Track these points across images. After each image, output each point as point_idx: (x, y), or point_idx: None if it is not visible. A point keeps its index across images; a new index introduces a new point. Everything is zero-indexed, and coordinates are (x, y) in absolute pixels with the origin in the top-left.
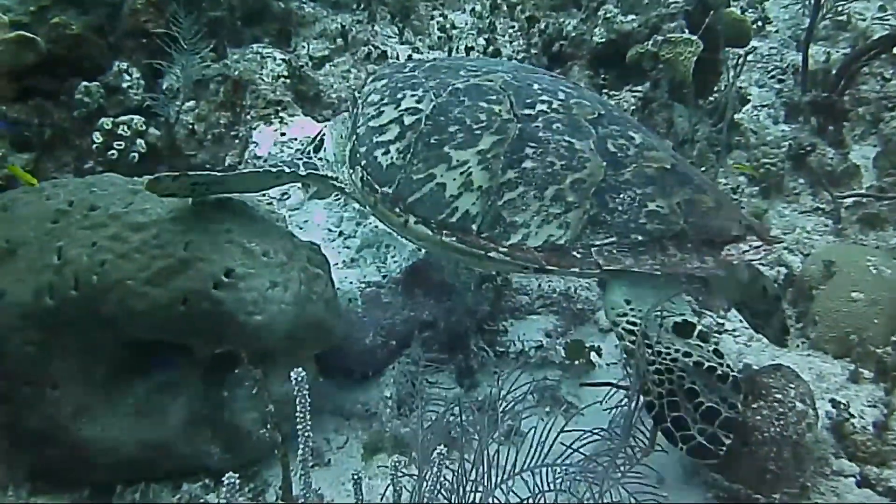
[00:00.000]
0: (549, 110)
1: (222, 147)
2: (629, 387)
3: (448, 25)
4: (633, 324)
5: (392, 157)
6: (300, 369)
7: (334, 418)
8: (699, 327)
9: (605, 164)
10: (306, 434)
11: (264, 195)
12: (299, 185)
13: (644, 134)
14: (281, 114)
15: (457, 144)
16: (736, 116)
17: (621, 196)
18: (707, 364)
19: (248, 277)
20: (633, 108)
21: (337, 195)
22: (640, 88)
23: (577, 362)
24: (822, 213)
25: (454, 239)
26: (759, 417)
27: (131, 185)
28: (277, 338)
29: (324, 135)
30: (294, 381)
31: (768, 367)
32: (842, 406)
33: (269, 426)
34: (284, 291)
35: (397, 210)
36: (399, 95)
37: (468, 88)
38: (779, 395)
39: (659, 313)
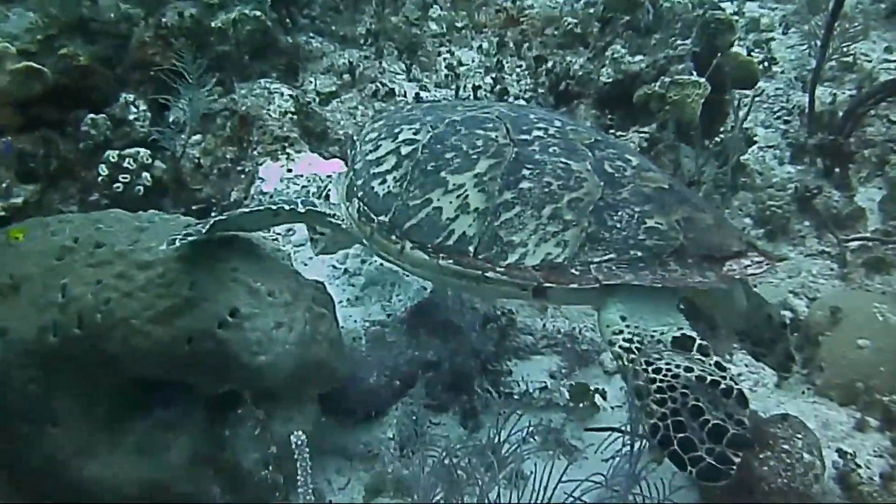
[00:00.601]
0: (545, 135)
1: (228, 182)
2: (633, 433)
3: (455, 63)
4: (630, 340)
5: (389, 186)
6: (300, 433)
7: (336, 459)
8: (699, 341)
9: (602, 183)
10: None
11: (269, 230)
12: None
13: (641, 158)
14: (288, 150)
15: (453, 169)
16: (742, 157)
17: (619, 214)
18: (710, 378)
19: (253, 317)
20: (639, 148)
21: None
22: (646, 129)
23: (581, 405)
24: (828, 257)
25: (451, 261)
26: (766, 468)
27: (137, 223)
28: (281, 378)
29: (329, 188)
30: (294, 445)
31: (776, 416)
32: (848, 456)
33: (270, 467)
34: (289, 332)
35: (393, 237)
36: (396, 130)
37: (465, 119)
38: (786, 446)
39: (656, 329)
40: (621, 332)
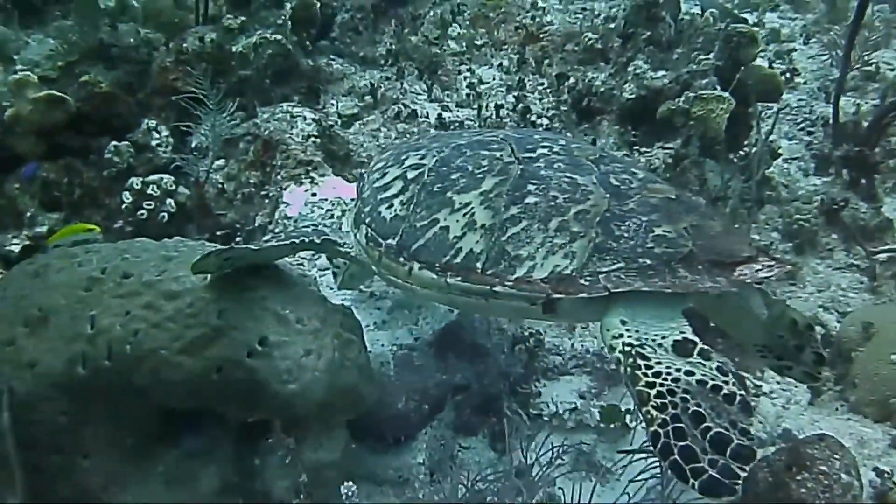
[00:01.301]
0: (550, 153)
1: (252, 207)
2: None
3: (476, 81)
4: (630, 345)
5: (395, 210)
6: (351, 484)
7: (366, 484)
8: (700, 345)
9: (608, 195)
10: None
11: (294, 255)
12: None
13: (646, 172)
14: (311, 173)
15: (459, 189)
16: (767, 171)
17: (627, 224)
18: (712, 383)
19: (282, 346)
20: (664, 164)
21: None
22: (671, 145)
23: (612, 426)
24: (857, 270)
25: (459, 279)
26: (804, 490)
27: (164, 252)
28: (310, 406)
29: (341, 221)
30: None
31: (813, 437)
32: (886, 475)
33: (301, 496)
34: (318, 359)
35: (401, 259)
36: (403, 157)
37: (470, 143)
38: (824, 467)
39: (658, 333)
40: (621, 335)
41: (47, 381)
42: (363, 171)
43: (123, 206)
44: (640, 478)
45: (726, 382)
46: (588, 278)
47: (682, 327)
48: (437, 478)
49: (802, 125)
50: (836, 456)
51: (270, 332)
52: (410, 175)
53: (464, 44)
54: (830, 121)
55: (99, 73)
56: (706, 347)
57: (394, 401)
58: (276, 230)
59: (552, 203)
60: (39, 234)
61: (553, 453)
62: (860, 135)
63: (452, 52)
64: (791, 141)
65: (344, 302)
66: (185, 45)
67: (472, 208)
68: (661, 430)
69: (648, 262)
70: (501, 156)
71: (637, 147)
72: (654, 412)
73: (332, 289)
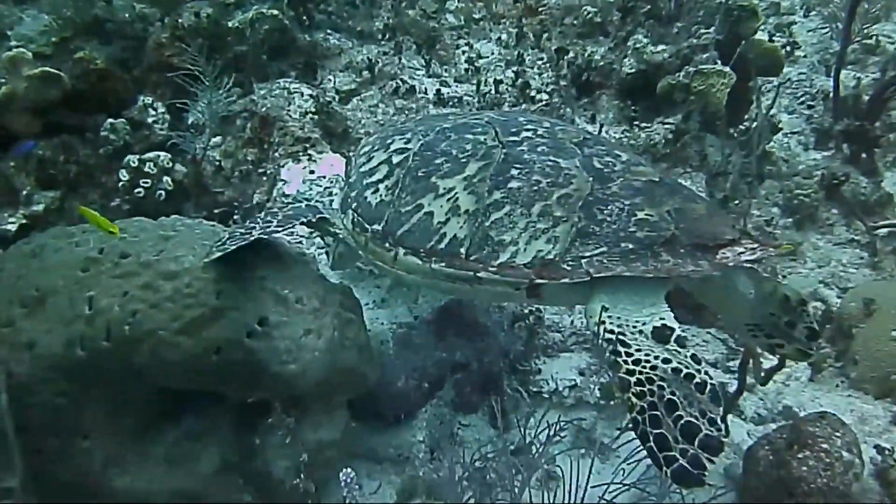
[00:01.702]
0: (533, 136)
1: (250, 184)
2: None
3: (475, 56)
4: (612, 331)
5: (381, 195)
6: (349, 471)
7: (367, 463)
8: (677, 331)
9: (591, 179)
10: None
11: (292, 234)
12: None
13: (631, 154)
14: (309, 150)
15: (443, 174)
16: (767, 145)
17: (609, 208)
18: (685, 371)
19: (282, 326)
20: (664, 140)
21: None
22: (671, 120)
23: (612, 402)
24: (858, 245)
25: (443, 264)
26: (805, 468)
27: (161, 231)
28: (311, 385)
29: (330, 191)
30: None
31: (813, 414)
32: (886, 452)
33: (302, 475)
34: (318, 339)
35: (387, 245)
36: (388, 141)
37: (455, 126)
38: (825, 445)
39: (639, 319)
40: (603, 322)
41: (46, 362)
42: (351, 153)
43: (120, 184)
44: (639, 454)
45: (699, 371)
46: (571, 263)
47: (662, 313)
48: (436, 455)
49: (803, 99)
50: (838, 434)
51: (270, 313)
52: (395, 160)
53: (462, 18)
54: (831, 94)
55: (94, 49)
56: (683, 335)
57: (394, 379)
58: (274, 208)
59: (535, 187)
60: (36, 212)
61: (552, 430)
62: (861, 109)
63: (450, 27)
64: (791, 115)
65: (343, 281)
66: (180, 20)
67: (456, 193)
68: (639, 417)
69: (631, 246)
70: (486, 140)
71: (637, 122)
72: (633, 399)
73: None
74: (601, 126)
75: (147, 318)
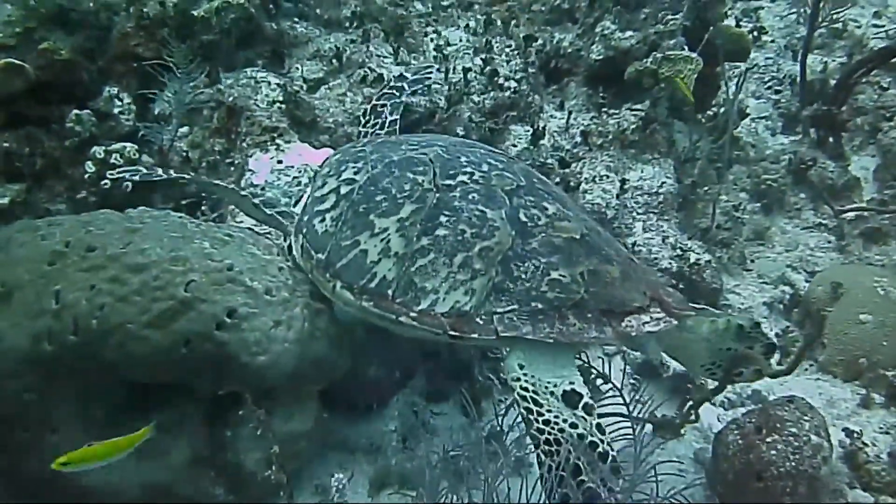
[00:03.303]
0: (468, 181)
1: (218, 174)
2: (638, 418)
3: (443, 43)
4: (526, 389)
5: (326, 225)
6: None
7: (339, 453)
8: (585, 399)
9: (514, 232)
10: None
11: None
12: None
13: (561, 204)
14: (277, 140)
15: (380, 213)
16: (735, 130)
17: (526, 264)
18: (590, 439)
19: (251, 317)
20: (633, 126)
21: None
22: (639, 107)
23: None
24: (825, 229)
25: (371, 304)
26: (774, 452)
27: (128, 223)
28: (281, 377)
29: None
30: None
31: (781, 398)
32: (855, 435)
33: (273, 467)
34: (288, 330)
35: (327, 276)
36: (342, 168)
37: (401, 161)
38: (794, 429)
39: (550, 381)
40: (519, 379)
41: (13, 357)
42: (316, 144)
43: (87, 175)
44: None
45: (602, 441)
46: (483, 317)
47: (573, 377)
48: (409, 444)
49: (770, 84)
50: (806, 417)
51: (239, 304)
52: (343, 190)
53: (430, 5)
54: (798, 79)
55: (59, 39)
56: (590, 402)
57: (365, 369)
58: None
59: (459, 237)
60: (1, 205)
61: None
62: (828, 93)
63: (418, 14)
64: (759, 100)
65: None
66: (145, 9)
67: (389, 235)
68: (546, 475)
69: (540, 306)
70: (423, 181)
71: (605, 109)
72: (542, 456)
73: None
74: (570, 113)
75: (114, 312)
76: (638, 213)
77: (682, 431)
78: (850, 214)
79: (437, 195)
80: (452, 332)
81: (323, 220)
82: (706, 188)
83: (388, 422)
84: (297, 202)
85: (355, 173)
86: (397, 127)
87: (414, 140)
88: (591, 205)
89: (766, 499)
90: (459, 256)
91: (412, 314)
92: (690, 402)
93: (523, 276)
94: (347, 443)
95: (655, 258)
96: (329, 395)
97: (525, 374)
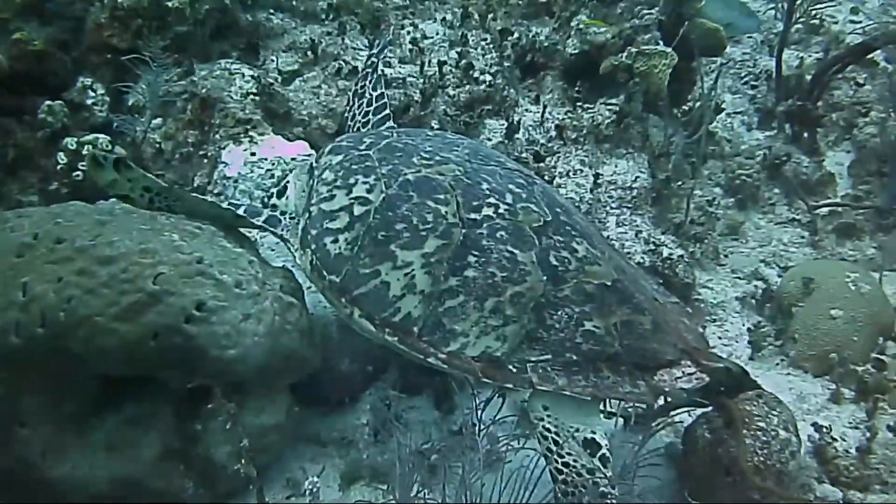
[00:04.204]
0: (494, 215)
1: (191, 167)
2: (613, 412)
3: (419, 36)
4: (548, 430)
5: (340, 247)
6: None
7: (310, 446)
8: (604, 450)
9: (545, 278)
10: None
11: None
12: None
13: (589, 243)
14: (251, 132)
15: (402, 244)
16: (710, 125)
17: (559, 313)
18: (602, 489)
19: (221, 310)
20: (608, 120)
21: None
22: (614, 101)
23: None
24: (798, 225)
25: (396, 339)
26: (742, 447)
27: (98, 216)
28: (251, 370)
29: (288, 181)
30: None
31: (750, 393)
32: (824, 430)
33: (243, 461)
34: (258, 323)
35: (343, 300)
36: (351, 180)
37: (418, 182)
38: (762, 424)
39: (572, 426)
40: (542, 419)
41: None
42: (314, 163)
43: (59, 167)
44: None
45: (612, 495)
46: (517, 365)
47: (595, 426)
48: (381, 438)
49: (746, 79)
50: (774, 412)
51: (208, 297)
52: (357, 211)
53: None
54: (774, 75)
55: (33, 30)
56: (607, 454)
57: (337, 362)
58: (216, 191)
59: (490, 281)
60: None
61: (498, 412)
62: (803, 89)
63: (395, 6)
64: (735, 95)
65: (285, 264)
66: (120, 0)
67: (413, 270)
68: None
69: (574, 357)
70: (446, 213)
71: (580, 103)
72: (559, 494)
73: (272, 250)
74: (545, 107)
75: (82, 304)
76: (611, 208)
77: (658, 427)
78: (824, 210)
79: (464, 231)
80: (484, 379)
81: (336, 240)
82: (680, 183)
83: (360, 415)
84: (276, 194)
85: (368, 191)
86: (386, 101)
87: (424, 148)
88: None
89: (734, 493)
90: (490, 301)
91: (441, 355)
92: (667, 404)
93: (557, 325)
94: (319, 436)
95: (628, 252)
96: (301, 390)
97: (549, 416)
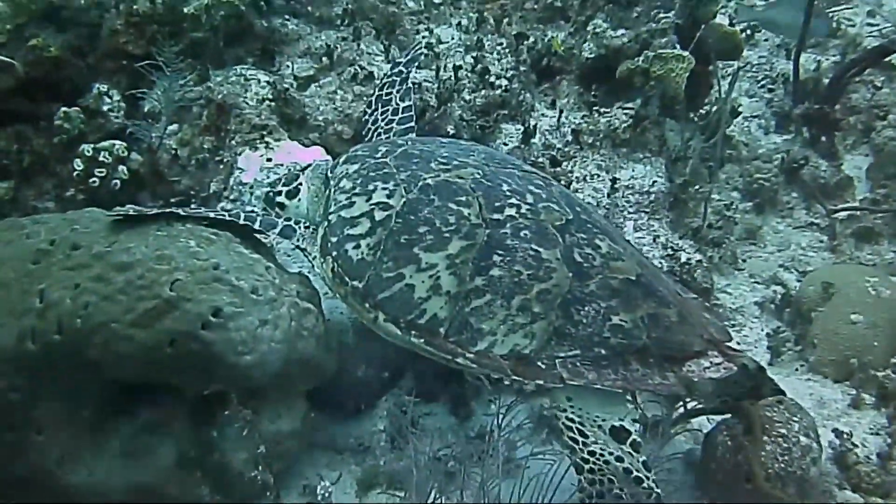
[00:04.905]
0: (517, 215)
1: (207, 173)
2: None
3: (434, 41)
4: (572, 420)
5: (362, 252)
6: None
7: (327, 453)
8: (634, 436)
9: (571, 274)
10: None
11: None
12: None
13: (611, 240)
14: (266, 138)
15: (426, 246)
16: (727, 129)
17: (586, 308)
18: (636, 474)
19: (237, 317)
20: (624, 124)
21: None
22: (630, 105)
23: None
24: (817, 229)
25: (423, 341)
26: (763, 453)
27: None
28: (268, 377)
29: (300, 183)
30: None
31: (771, 399)
32: (845, 436)
33: (260, 467)
34: (274, 329)
35: (367, 305)
36: (370, 187)
37: (438, 185)
38: (783, 430)
39: (599, 415)
40: (565, 410)
41: None
42: (329, 172)
43: (75, 173)
44: None
45: (647, 478)
46: (546, 362)
47: (623, 413)
48: (397, 445)
49: (763, 83)
50: (795, 418)
51: (225, 303)
52: (378, 216)
53: (422, 2)
54: (791, 78)
55: (49, 36)
56: (638, 440)
57: (354, 369)
58: (232, 196)
59: (516, 279)
60: None
61: (516, 418)
62: (821, 92)
63: (410, 12)
64: (752, 99)
65: (301, 270)
66: (135, 6)
67: (438, 272)
68: (588, 501)
69: (603, 352)
70: (469, 214)
71: (597, 107)
72: (584, 483)
73: (288, 255)
74: (561, 111)
75: (99, 311)
76: (629, 213)
77: (674, 433)
78: (843, 214)
79: (487, 231)
80: (514, 377)
81: (357, 246)
82: (698, 187)
83: (376, 422)
84: (286, 194)
85: (388, 196)
86: (413, 113)
87: (440, 154)
88: None
89: (754, 500)
90: (517, 299)
91: (469, 355)
92: (685, 410)
93: (584, 320)
94: (335, 443)
95: (646, 257)
96: (317, 396)
97: (572, 406)
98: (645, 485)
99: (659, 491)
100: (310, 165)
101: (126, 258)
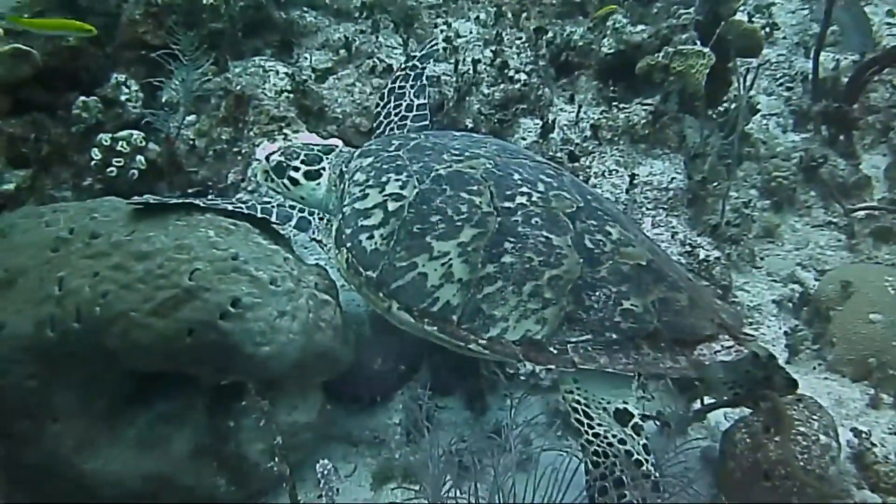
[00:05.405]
0: (528, 203)
1: (224, 163)
2: (645, 415)
3: (453, 35)
4: (578, 402)
5: (376, 243)
6: (326, 461)
7: (342, 445)
8: (636, 419)
9: (581, 260)
10: None
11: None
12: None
13: (621, 227)
14: (285, 129)
15: (438, 235)
16: (746, 127)
17: (597, 294)
18: (636, 457)
19: (256, 307)
20: (643, 120)
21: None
22: (650, 101)
23: None
24: (835, 228)
25: (435, 328)
26: (782, 451)
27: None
28: (285, 368)
29: (323, 167)
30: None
31: (791, 398)
32: (863, 436)
33: (276, 458)
34: (292, 321)
35: (381, 294)
36: (383, 179)
37: (450, 176)
38: (802, 429)
39: (604, 398)
40: (572, 392)
41: (15, 344)
42: (344, 167)
43: (92, 163)
44: None
45: (646, 461)
46: (557, 347)
47: (627, 396)
48: (413, 438)
49: (782, 81)
50: (815, 417)
51: (243, 294)
52: (391, 207)
53: None
54: (810, 76)
55: None
56: (639, 423)
57: (370, 361)
58: (249, 188)
59: (527, 266)
60: (7, 191)
61: (531, 413)
62: (839, 91)
63: (428, 5)
64: (770, 97)
65: (319, 261)
66: None
67: (451, 259)
68: (591, 482)
69: (615, 336)
70: (480, 203)
71: (616, 103)
72: (589, 465)
73: (306, 248)
74: (580, 106)
75: (118, 300)
76: (647, 209)
77: (690, 429)
78: (861, 213)
79: (499, 219)
80: (526, 362)
81: (371, 236)
82: (716, 184)
83: (392, 415)
84: (304, 174)
85: (401, 187)
86: (427, 112)
87: (452, 146)
88: None
89: (773, 498)
90: (529, 285)
91: (481, 341)
92: (701, 406)
93: (595, 305)
94: (351, 435)
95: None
96: (333, 388)
97: (578, 388)
98: (644, 468)
99: (657, 473)
100: (331, 150)
101: (145, 247)
